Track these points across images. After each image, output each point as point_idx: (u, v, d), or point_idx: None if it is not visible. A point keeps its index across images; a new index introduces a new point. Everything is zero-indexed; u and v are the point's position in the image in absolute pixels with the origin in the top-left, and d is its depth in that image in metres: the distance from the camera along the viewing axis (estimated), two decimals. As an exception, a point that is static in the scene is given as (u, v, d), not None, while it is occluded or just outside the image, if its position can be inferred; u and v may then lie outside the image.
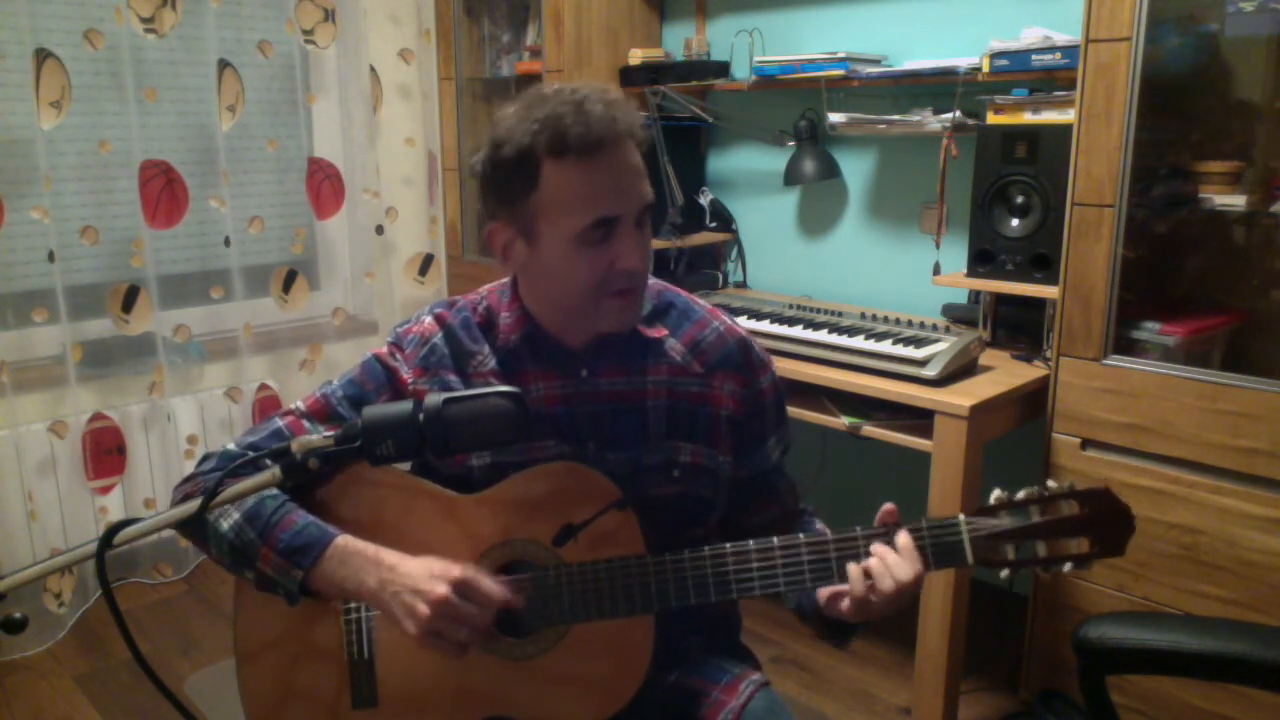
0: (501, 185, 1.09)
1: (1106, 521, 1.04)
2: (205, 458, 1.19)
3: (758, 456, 1.25)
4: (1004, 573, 1.04)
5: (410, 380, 1.20)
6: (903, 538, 1.05)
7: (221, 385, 2.93)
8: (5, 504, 2.52)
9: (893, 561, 1.03)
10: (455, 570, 1.04)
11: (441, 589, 1.02)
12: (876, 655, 2.46)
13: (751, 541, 1.08)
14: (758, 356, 1.24)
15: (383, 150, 3.19)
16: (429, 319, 1.23)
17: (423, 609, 1.02)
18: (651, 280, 1.24)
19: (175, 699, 0.93)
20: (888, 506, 1.07)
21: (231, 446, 1.19)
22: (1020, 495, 1.05)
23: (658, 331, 1.21)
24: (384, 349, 1.23)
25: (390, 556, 1.08)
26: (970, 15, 2.41)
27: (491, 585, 1.05)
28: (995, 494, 1.06)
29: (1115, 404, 1.87)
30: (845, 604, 1.06)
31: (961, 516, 1.05)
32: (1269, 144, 1.93)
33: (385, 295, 3.23)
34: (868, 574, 1.03)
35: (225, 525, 1.11)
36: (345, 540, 1.10)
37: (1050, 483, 1.06)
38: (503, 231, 1.12)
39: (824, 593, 1.09)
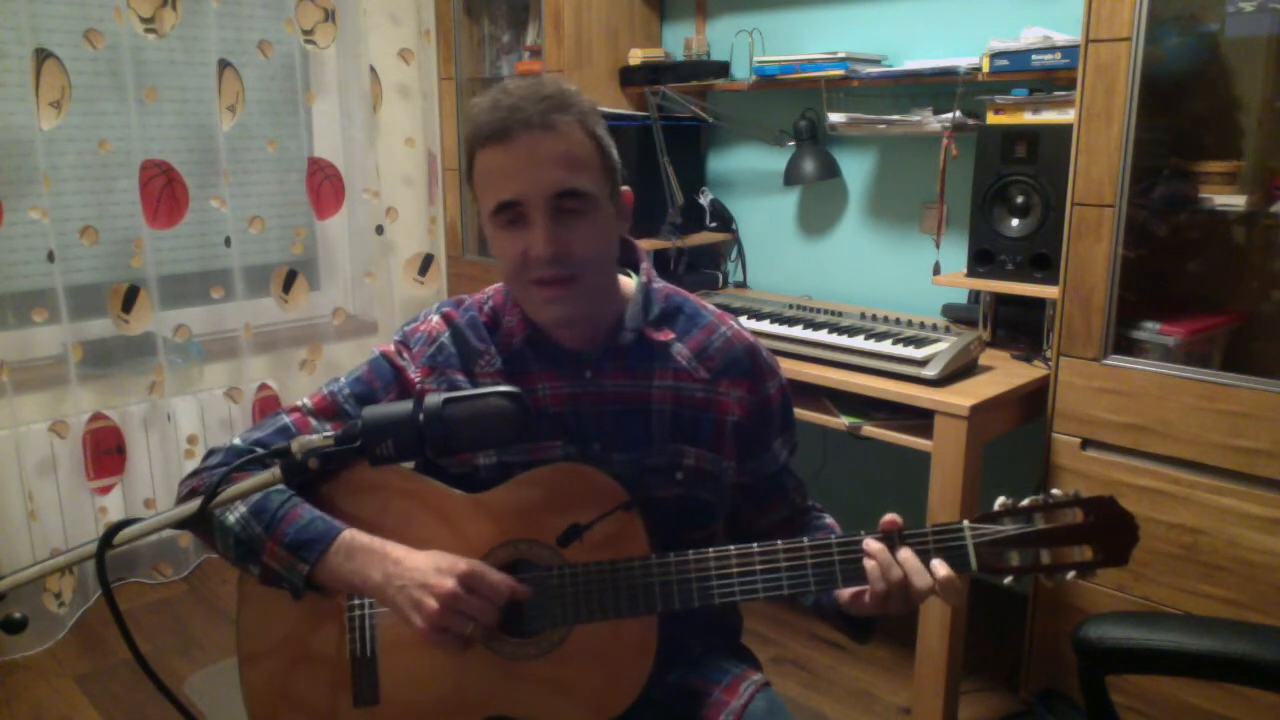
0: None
1: (1110, 530, 1.03)
2: (211, 452, 1.20)
3: (765, 459, 1.25)
4: (1007, 580, 1.04)
5: (417, 379, 1.20)
6: (905, 553, 1.04)
7: (221, 385, 2.93)
8: (5, 504, 2.52)
9: (914, 568, 1.03)
10: (461, 564, 1.05)
11: (449, 583, 1.03)
12: (876, 655, 2.46)
13: (755, 544, 1.08)
14: (765, 362, 1.24)
15: (383, 150, 3.19)
16: (436, 318, 1.23)
17: (430, 603, 1.02)
18: (661, 284, 1.24)
19: (175, 699, 0.93)
20: (889, 517, 1.07)
21: (238, 442, 1.19)
22: (1024, 502, 1.05)
23: (664, 335, 1.21)
24: (391, 347, 1.24)
25: (396, 551, 1.08)
26: (970, 15, 2.41)
27: (498, 577, 1.06)
28: (999, 501, 1.06)
29: (1115, 404, 1.87)
30: (867, 598, 1.06)
31: (966, 522, 1.05)
32: (1268, 144, 1.93)
33: (385, 295, 3.23)
34: (904, 580, 1.03)
35: (231, 519, 1.11)
36: (351, 534, 1.10)
37: (1055, 490, 1.05)
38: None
39: (845, 593, 1.09)
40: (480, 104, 1.11)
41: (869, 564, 1.04)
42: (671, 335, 1.21)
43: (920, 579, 1.02)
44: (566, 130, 1.08)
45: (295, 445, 0.96)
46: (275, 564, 1.09)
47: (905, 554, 1.04)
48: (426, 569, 1.05)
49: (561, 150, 1.08)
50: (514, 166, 1.07)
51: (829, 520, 1.30)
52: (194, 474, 1.17)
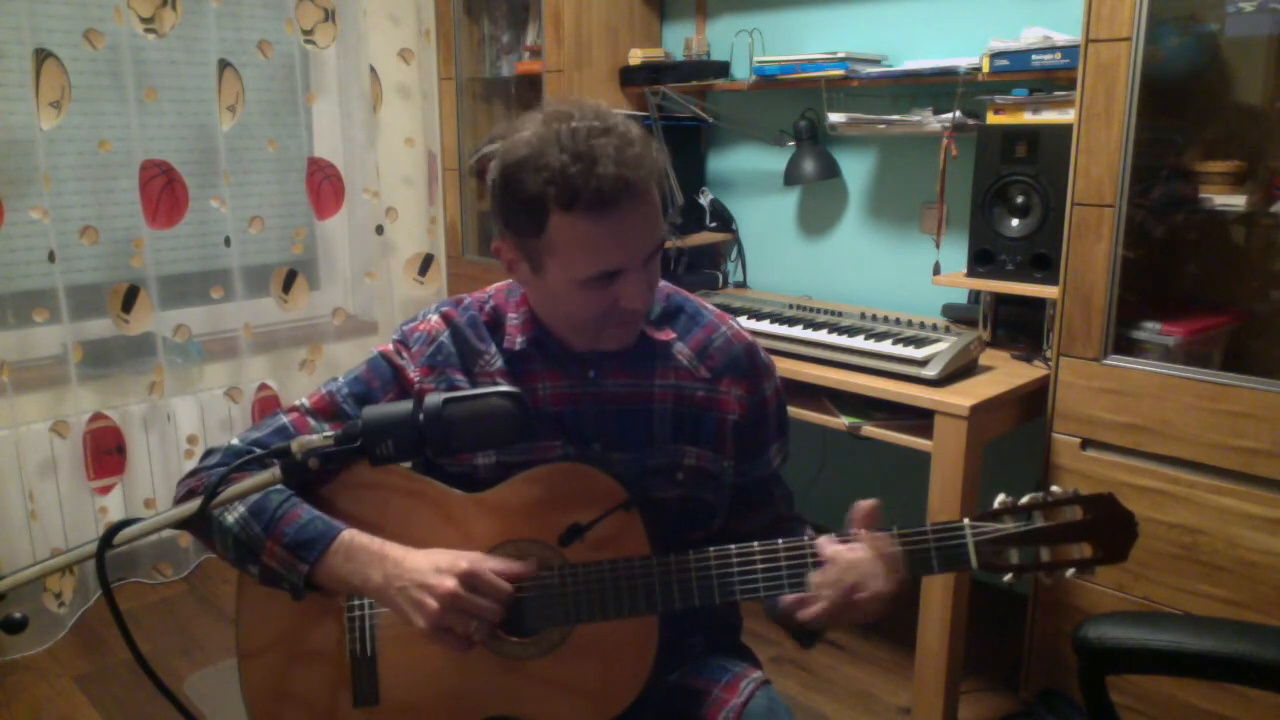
0: (509, 218, 1.07)
1: (1110, 527, 1.04)
2: (209, 453, 1.19)
3: (759, 463, 1.25)
4: (1007, 577, 1.04)
5: (417, 379, 1.20)
6: (881, 541, 1.04)
7: (221, 385, 2.93)
8: (5, 504, 2.52)
9: (868, 571, 1.02)
10: (462, 562, 1.05)
11: (449, 582, 1.03)
12: (876, 655, 2.46)
13: (756, 544, 1.08)
14: (762, 362, 1.24)
15: (383, 150, 3.19)
16: (435, 317, 1.23)
17: (431, 603, 1.02)
18: (660, 283, 1.24)
19: (175, 699, 0.93)
20: (867, 504, 1.06)
21: (236, 442, 1.19)
22: (1024, 500, 1.05)
23: (666, 335, 1.21)
24: (390, 347, 1.23)
25: (396, 551, 1.08)
26: (970, 15, 2.41)
27: (499, 571, 1.05)
28: (999, 499, 1.06)
29: (1115, 404, 1.87)
30: (816, 609, 1.04)
31: (965, 521, 1.05)
32: (1269, 144, 1.93)
33: (385, 295, 3.23)
34: (855, 588, 1.02)
35: (230, 519, 1.11)
36: (351, 534, 1.10)
37: (1054, 488, 1.06)
38: (509, 252, 1.11)
39: (788, 599, 1.08)
40: (560, 159, 0.99)
41: (819, 580, 1.03)
42: (673, 335, 1.21)
43: (878, 583, 1.02)
44: (658, 179, 1.05)
45: (295, 445, 0.97)
46: (275, 564, 1.09)
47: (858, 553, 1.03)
48: (426, 569, 1.04)
49: (657, 207, 1.06)
50: (621, 235, 1.02)
51: (811, 533, 1.29)
52: (192, 474, 1.17)
